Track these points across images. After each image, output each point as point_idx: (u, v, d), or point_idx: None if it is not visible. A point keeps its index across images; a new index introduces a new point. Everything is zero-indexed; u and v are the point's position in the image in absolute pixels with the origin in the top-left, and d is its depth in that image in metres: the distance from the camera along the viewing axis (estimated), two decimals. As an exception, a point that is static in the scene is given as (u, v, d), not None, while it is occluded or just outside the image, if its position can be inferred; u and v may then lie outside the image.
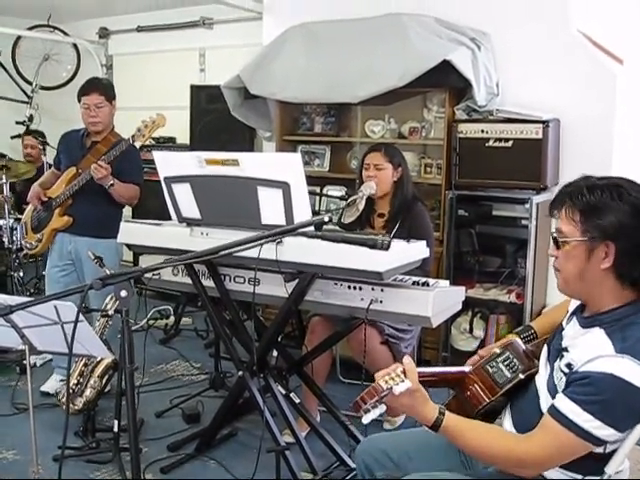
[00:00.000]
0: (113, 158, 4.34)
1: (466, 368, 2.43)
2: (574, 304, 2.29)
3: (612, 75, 4.87)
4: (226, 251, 2.28)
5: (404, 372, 2.09)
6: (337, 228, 4.14)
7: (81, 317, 2.51)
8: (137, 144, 4.50)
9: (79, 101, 4.55)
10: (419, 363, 4.94)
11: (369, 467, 2.47)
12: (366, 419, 2.08)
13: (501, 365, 2.35)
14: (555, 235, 2.14)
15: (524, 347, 2.41)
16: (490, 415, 2.42)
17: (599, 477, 2.09)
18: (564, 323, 2.28)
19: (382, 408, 2.08)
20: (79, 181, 4.45)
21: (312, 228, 2.49)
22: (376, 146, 4.39)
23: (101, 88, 4.57)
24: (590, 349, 2.01)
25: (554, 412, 2.03)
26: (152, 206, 4.55)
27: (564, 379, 2.06)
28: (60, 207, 4.57)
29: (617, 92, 4.87)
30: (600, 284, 2.07)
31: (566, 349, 2.14)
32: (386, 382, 2.06)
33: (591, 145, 4.88)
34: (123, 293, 2.14)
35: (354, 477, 3.26)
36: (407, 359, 2.12)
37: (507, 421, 2.34)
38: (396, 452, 2.45)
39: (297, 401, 3.80)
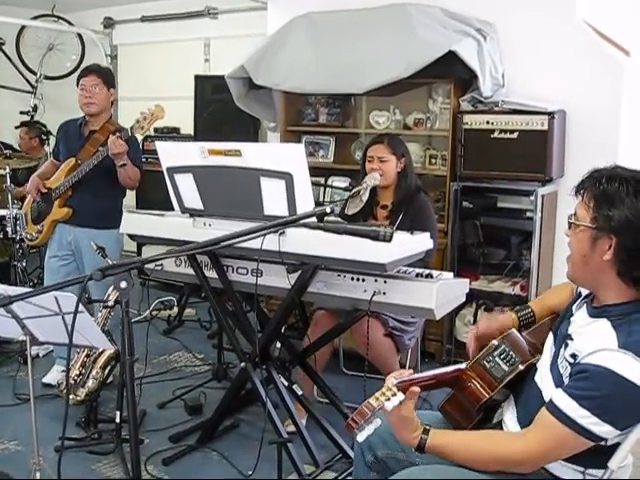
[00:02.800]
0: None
1: (462, 365, 2.40)
2: (584, 290, 2.27)
3: (618, 66, 4.83)
4: (228, 242, 2.26)
5: (401, 386, 2.07)
6: (339, 219, 4.12)
7: (81, 308, 2.50)
8: (137, 135, 4.46)
9: (78, 86, 4.54)
10: (423, 356, 4.93)
11: (371, 444, 2.45)
12: (361, 437, 2.06)
13: (497, 359, 2.32)
14: (570, 215, 2.13)
15: (521, 338, 2.39)
16: (491, 409, 2.41)
17: (602, 471, 2.08)
18: (574, 308, 2.25)
19: (377, 422, 2.06)
20: (79, 172, 4.43)
21: (314, 219, 2.47)
22: (379, 138, 4.36)
23: (99, 71, 4.56)
24: (594, 340, 1.99)
25: (551, 407, 2.01)
26: (156, 196, 4.54)
27: (569, 369, 2.04)
28: (60, 198, 4.56)
29: (623, 83, 4.83)
30: (603, 274, 2.06)
31: (570, 336, 2.13)
32: (377, 399, 2.04)
33: (597, 137, 4.85)
34: (123, 284, 2.11)
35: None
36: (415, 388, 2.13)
37: (510, 414, 2.32)
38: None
39: (299, 392, 3.79)
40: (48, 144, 7.18)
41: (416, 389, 2.12)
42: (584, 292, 2.26)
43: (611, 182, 2.03)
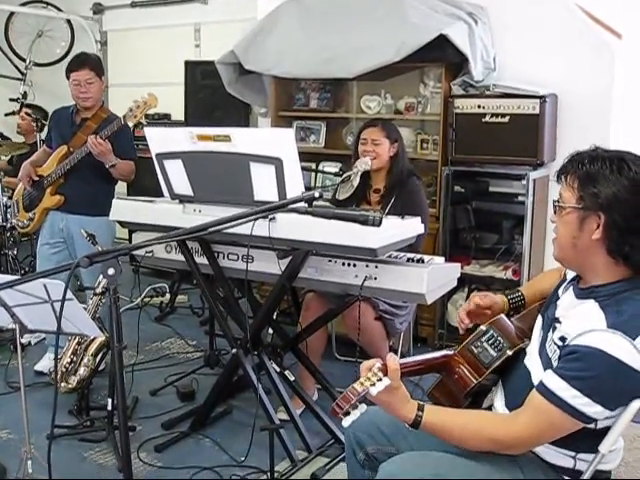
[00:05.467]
0: (105, 138, 4.28)
1: (450, 351, 2.39)
2: (571, 273, 2.26)
3: (610, 50, 4.81)
4: (217, 227, 2.24)
5: (385, 368, 2.06)
6: (328, 204, 4.11)
7: (71, 295, 2.49)
8: (129, 124, 4.44)
9: (67, 78, 4.50)
10: (415, 340, 4.93)
11: (360, 441, 2.44)
12: (346, 422, 2.04)
13: (486, 344, 2.31)
14: (555, 200, 2.12)
15: (509, 323, 2.39)
16: (480, 394, 2.40)
17: (592, 455, 2.08)
18: (560, 292, 2.25)
19: (362, 408, 2.04)
20: (71, 160, 4.42)
21: (304, 204, 2.46)
22: (373, 121, 4.37)
23: (91, 63, 4.52)
24: (582, 322, 1.99)
25: (541, 389, 2.01)
26: (148, 183, 4.51)
27: (558, 352, 2.04)
28: (51, 186, 4.54)
29: (615, 67, 4.81)
30: (592, 255, 2.05)
31: (558, 320, 2.13)
32: (362, 384, 2.01)
33: (589, 120, 4.83)
34: (110, 271, 2.10)
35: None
36: (390, 357, 2.09)
37: (499, 400, 2.32)
38: (389, 427, 2.40)
39: (292, 379, 3.79)
40: (38, 130, 7.14)
41: (394, 365, 2.07)
42: (570, 275, 2.26)
43: (593, 162, 2.03)
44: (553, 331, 2.12)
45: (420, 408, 2.10)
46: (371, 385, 2.00)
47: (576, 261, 2.12)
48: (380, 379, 2.02)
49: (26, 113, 7.14)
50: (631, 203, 1.97)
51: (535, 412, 2.01)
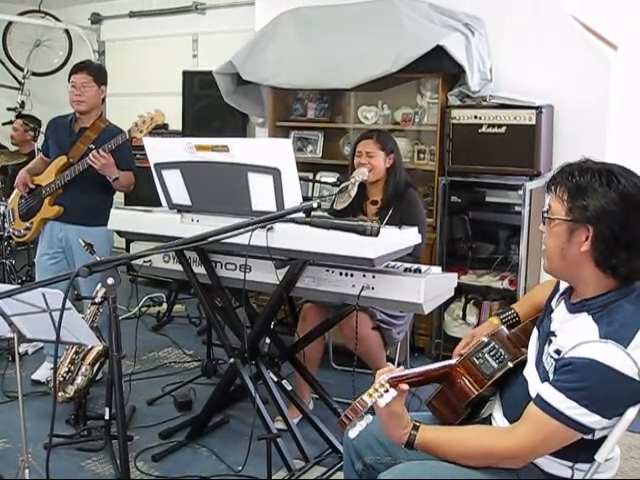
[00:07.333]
0: (108, 151, 4.28)
1: (452, 361, 2.40)
2: (563, 284, 2.27)
3: (606, 61, 4.84)
4: (216, 237, 2.25)
5: (392, 382, 2.08)
6: (326, 215, 4.12)
7: (69, 305, 2.49)
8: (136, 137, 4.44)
9: (69, 81, 4.51)
10: (412, 350, 4.94)
11: (359, 451, 2.45)
12: (353, 433, 2.07)
13: (487, 356, 2.32)
14: (544, 211, 2.14)
15: (510, 335, 2.40)
16: (479, 404, 2.41)
17: (589, 464, 2.09)
18: (553, 304, 2.26)
19: (369, 418, 2.07)
20: (71, 172, 4.41)
21: (302, 214, 2.47)
22: (368, 133, 4.36)
23: (90, 68, 4.53)
24: (576, 335, 2.00)
25: (539, 401, 2.02)
26: (147, 192, 4.54)
27: (554, 364, 2.05)
28: (50, 196, 4.53)
29: (611, 78, 4.84)
30: (581, 267, 2.07)
31: (554, 333, 2.14)
32: (370, 396, 2.05)
33: (584, 131, 4.86)
34: (110, 280, 2.10)
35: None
36: (395, 371, 2.13)
37: (497, 410, 2.33)
38: (388, 438, 2.42)
39: (289, 388, 3.79)
40: (36, 140, 7.15)
41: (405, 386, 2.12)
42: (562, 287, 2.27)
43: (583, 174, 2.05)
44: (549, 344, 2.13)
45: (414, 428, 2.14)
46: (379, 397, 2.03)
47: (566, 272, 2.14)
48: (387, 390, 2.05)
49: (23, 123, 7.15)
50: (619, 216, 1.99)
51: (533, 425, 2.03)
